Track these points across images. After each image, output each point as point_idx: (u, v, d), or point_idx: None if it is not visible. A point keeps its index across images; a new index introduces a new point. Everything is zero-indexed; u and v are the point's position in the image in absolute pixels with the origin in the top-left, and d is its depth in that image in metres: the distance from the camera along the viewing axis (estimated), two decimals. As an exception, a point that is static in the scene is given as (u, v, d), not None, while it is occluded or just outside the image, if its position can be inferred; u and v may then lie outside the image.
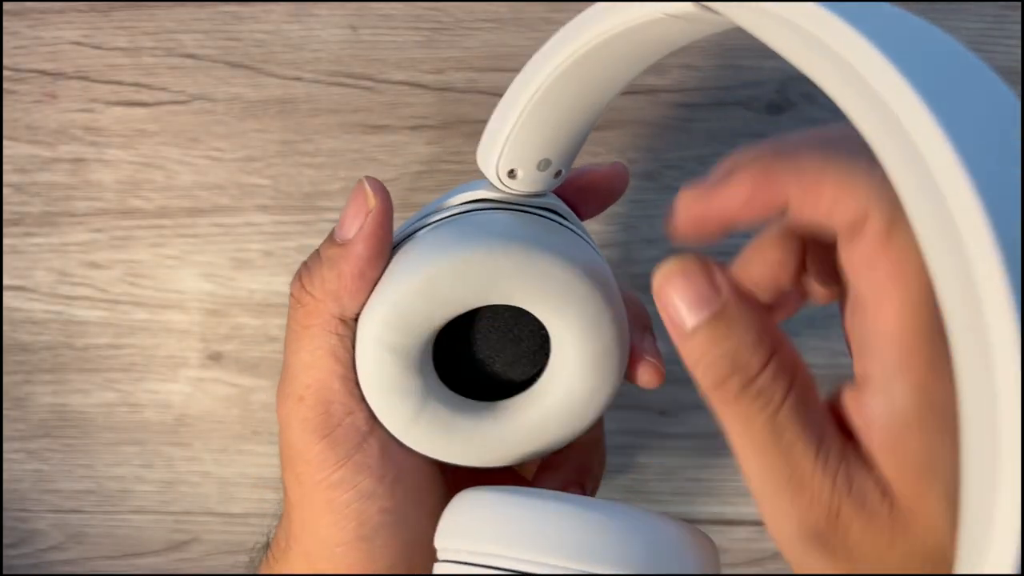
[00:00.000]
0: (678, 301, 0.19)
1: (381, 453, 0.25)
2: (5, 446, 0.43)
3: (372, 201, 0.24)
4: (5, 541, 0.43)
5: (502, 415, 0.25)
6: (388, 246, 0.24)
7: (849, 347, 0.20)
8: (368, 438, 0.25)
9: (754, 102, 0.40)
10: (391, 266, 0.24)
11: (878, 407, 0.18)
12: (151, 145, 0.41)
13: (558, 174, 0.24)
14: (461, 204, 0.25)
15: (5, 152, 0.42)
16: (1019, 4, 0.39)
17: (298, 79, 0.41)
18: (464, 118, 0.41)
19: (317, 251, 0.25)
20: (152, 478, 0.42)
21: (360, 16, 0.41)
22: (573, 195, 0.27)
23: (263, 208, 0.41)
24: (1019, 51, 0.39)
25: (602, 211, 0.28)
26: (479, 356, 0.25)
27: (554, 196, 0.26)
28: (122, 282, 0.42)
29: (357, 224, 0.24)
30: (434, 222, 0.25)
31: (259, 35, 0.41)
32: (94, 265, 0.42)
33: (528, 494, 0.22)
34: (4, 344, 0.42)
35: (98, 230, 0.42)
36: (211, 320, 0.42)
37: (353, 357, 0.24)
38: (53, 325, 0.42)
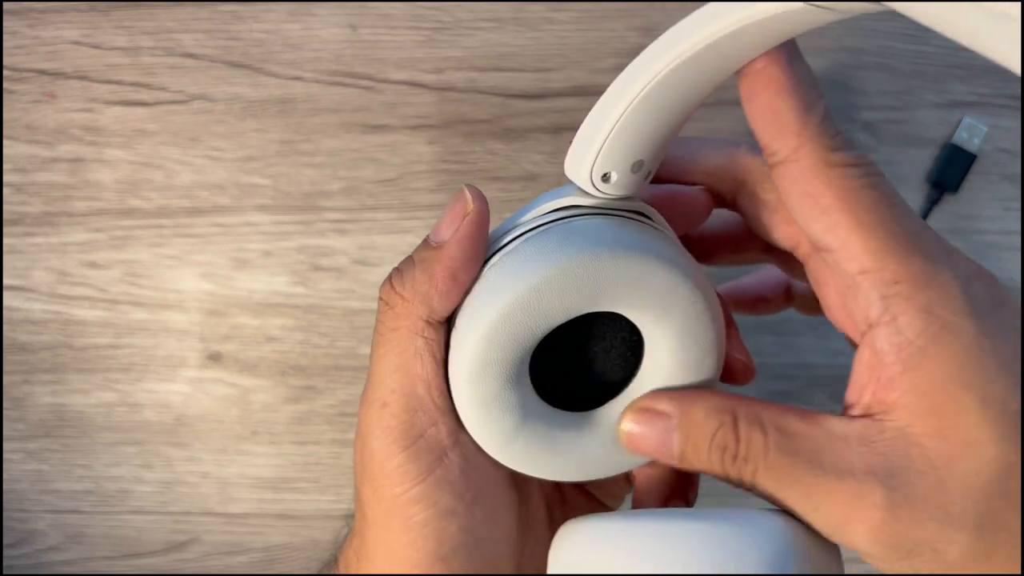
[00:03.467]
0: (651, 448, 0.23)
1: (462, 469, 0.24)
2: (4, 446, 0.43)
3: (471, 206, 0.23)
4: (4, 541, 0.43)
5: (599, 425, 0.25)
6: (482, 251, 0.24)
7: (845, 329, 0.22)
8: (450, 452, 0.24)
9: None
10: (489, 277, 0.23)
11: (886, 342, 0.20)
12: (150, 145, 0.41)
13: (648, 175, 0.24)
14: (551, 212, 0.24)
15: (5, 152, 0.42)
16: None
17: (298, 79, 0.41)
18: (464, 118, 0.41)
19: (410, 256, 0.25)
20: (151, 478, 0.42)
21: (360, 16, 0.41)
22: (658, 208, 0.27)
23: (263, 208, 0.41)
24: None
25: (682, 233, 0.27)
26: (568, 364, 0.24)
27: (640, 200, 0.25)
28: (121, 282, 0.42)
29: (453, 227, 0.23)
30: (527, 232, 0.24)
31: (259, 35, 0.41)
32: (93, 265, 0.42)
33: (649, 517, 0.22)
34: (3, 344, 0.42)
35: (97, 230, 0.42)
36: (210, 320, 0.42)
37: (440, 363, 0.24)
38: (52, 325, 0.42)
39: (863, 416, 0.20)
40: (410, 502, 0.23)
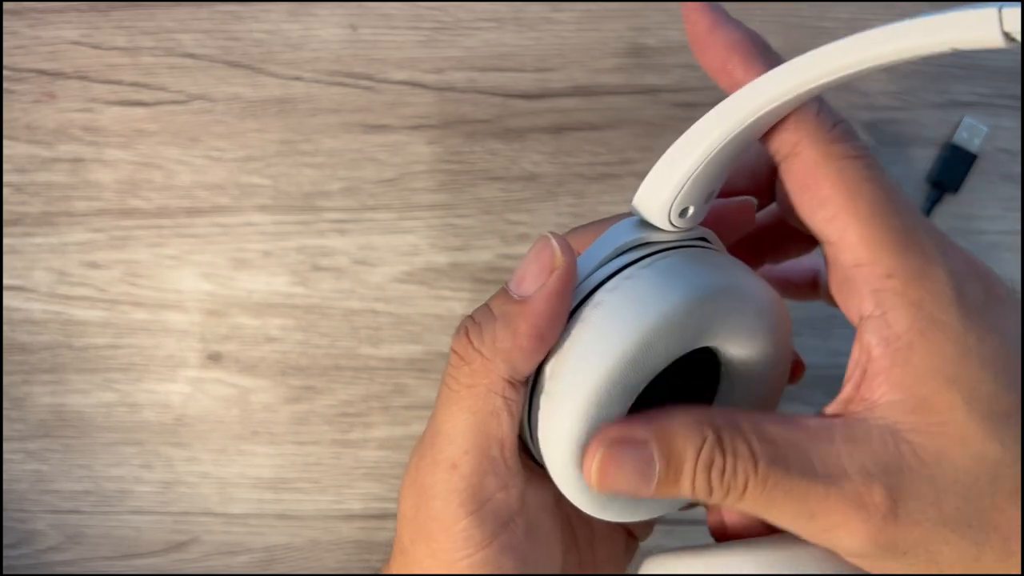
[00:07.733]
0: (626, 483, 0.21)
1: (526, 535, 0.23)
2: (4, 446, 0.43)
3: (559, 259, 0.22)
4: (4, 541, 0.43)
5: None
6: (568, 308, 0.22)
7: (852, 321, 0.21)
8: (516, 517, 0.23)
9: (754, 102, 0.40)
10: (583, 335, 0.22)
11: (875, 335, 0.20)
12: (150, 145, 0.41)
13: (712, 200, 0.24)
14: (625, 253, 0.23)
15: (4, 152, 0.42)
16: None
17: (298, 79, 0.41)
18: (464, 118, 0.41)
19: (487, 306, 0.23)
20: (151, 478, 0.42)
21: (360, 15, 0.41)
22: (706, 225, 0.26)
23: (263, 208, 0.41)
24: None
25: (728, 245, 0.26)
26: (650, 400, 0.23)
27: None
28: (121, 282, 0.42)
29: (539, 281, 0.22)
30: (608, 278, 0.23)
31: (258, 35, 0.41)
32: (93, 265, 0.42)
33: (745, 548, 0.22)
34: (3, 344, 0.42)
35: (97, 230, 0.42)
36: (210, 320, 0.42)
37: (516, 425, 0.22)
38: (52, 325, 0.42)
39: (840, 415, 0.20)
40: (471, 567, 0.22)
